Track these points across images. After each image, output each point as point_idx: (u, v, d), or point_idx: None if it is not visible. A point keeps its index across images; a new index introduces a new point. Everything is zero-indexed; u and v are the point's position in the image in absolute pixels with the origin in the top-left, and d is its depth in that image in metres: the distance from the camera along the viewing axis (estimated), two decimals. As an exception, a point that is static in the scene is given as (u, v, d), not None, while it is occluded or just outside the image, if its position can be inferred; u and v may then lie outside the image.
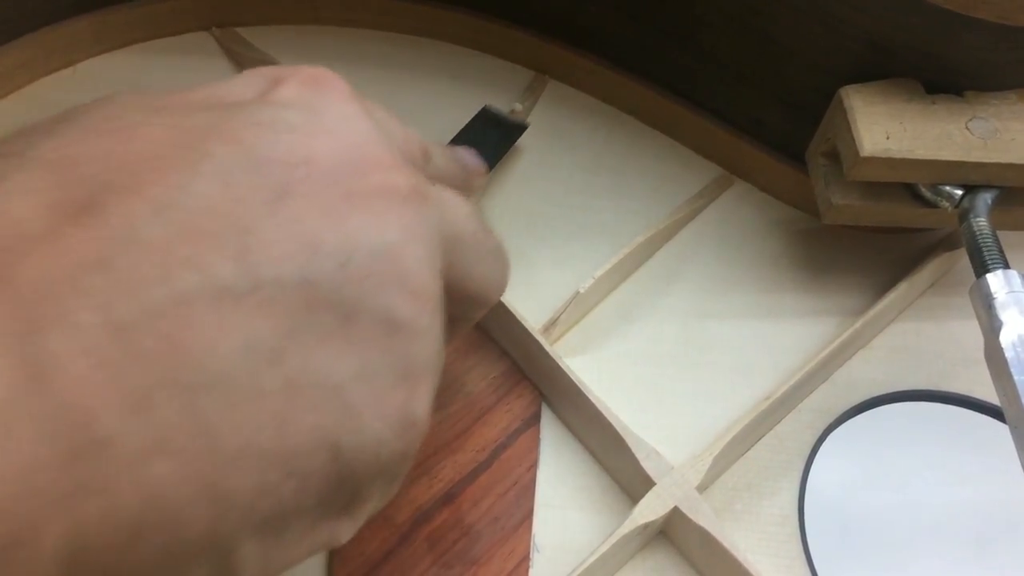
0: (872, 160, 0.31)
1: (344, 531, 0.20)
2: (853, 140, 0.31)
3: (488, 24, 0.42)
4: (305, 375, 0.17)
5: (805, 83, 0.35)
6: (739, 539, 0.29)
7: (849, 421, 0.34)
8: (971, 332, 0.35)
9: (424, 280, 0.20)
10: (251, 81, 0.21)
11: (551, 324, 0.34)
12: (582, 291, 0.34)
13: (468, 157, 0.32)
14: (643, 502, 0.29)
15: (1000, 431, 0.33)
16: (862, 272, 0.37)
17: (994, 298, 0.29)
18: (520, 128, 0.40)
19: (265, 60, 0.40)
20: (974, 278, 0.30)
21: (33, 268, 0.15)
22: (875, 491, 0.32)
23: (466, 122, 0.39)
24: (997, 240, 0.31)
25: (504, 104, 0.41)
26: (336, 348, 0.18)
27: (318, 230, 0.18)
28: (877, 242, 0.38)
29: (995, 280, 0.29)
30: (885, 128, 0.31)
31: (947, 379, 0.35)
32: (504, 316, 0.33)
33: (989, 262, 0.30)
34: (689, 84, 0.39)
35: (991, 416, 0.34)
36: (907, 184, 0.33)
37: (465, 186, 0.31)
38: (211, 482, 0.16)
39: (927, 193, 0.33)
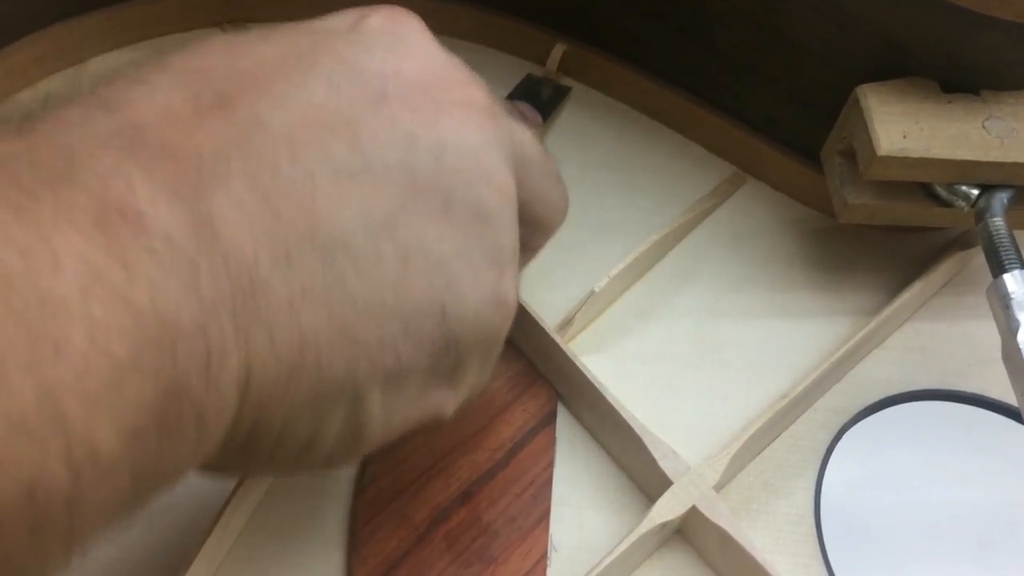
0: (889, 159, 0.31)
1: (449, 402, 0.23)
2: (870, 139, 0.31)
3: (499, 20, 0.42)
4: (414, 247, 0.20)
5: (820, 81, 0.35)
6: (755, 538, 0.29)
7: (864, 420, 0.34)
8: (985, 332, 0.35)
9: (505, 179, 0.22)
10: (341, 16, 0.24)
11: (566, 323, 0.34)
12: (597, 290, 0.34)
13: (524, 108, 0.36)
14: (661, 501, 0.29)
15: (1015, 430, 0.33)
16: (876, 271, 0.37)
17: (1012, 298, 0.29)
18: (563, 91, 0.41)
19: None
20: (988, 277, 0.30)
21: (187, 142, 0.18)
22: (890, 490, 0.33)
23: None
24: (1014, 240, 0.31)
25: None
26: (438, 227, 0.21)
27: (413, 128, 0.21)
28: (891, 241, 0.38)
29: (1012, 280, 0.29)
30: (902, 127, 0.31)
31: (961, 378, 0.35)
32: (520, 315, 0.33)
33: (1006, 262, 0.30)
34: (703, 82, 0.39)
35: (1006, 416, 0.34)
36: (922, 183, 0.33)
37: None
38: (347, 329, 0.19)
39: (943, 192, 0.33)
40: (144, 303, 0.15)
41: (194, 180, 0.17)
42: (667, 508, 0.29)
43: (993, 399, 0.34)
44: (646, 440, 0.30)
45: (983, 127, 0.32)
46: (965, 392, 0.34)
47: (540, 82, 0.41)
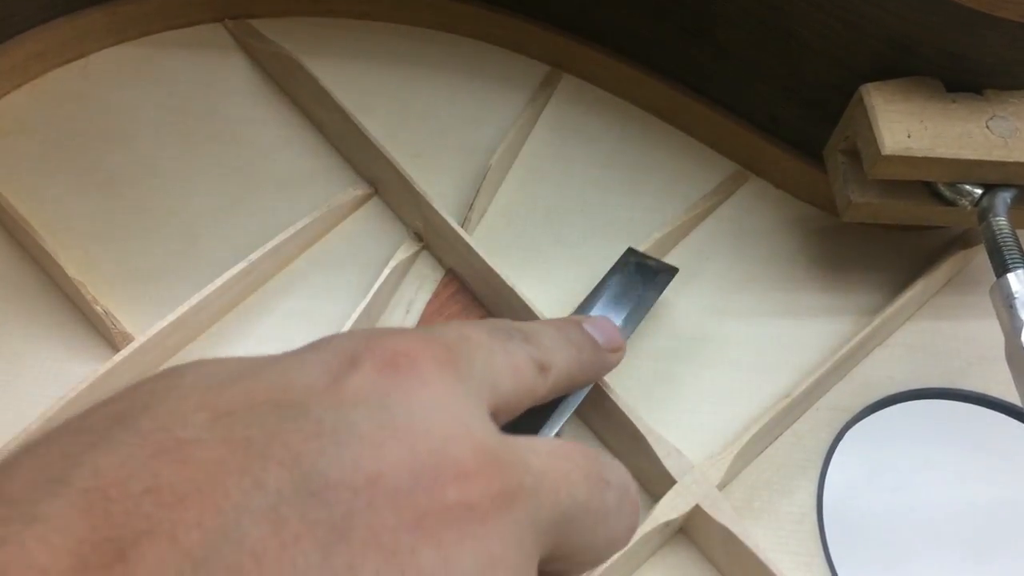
0: (893, 158, 0.31)
1: None
2: (874, 138, 0.31)
3: (503, 18, 0.42)
4: None
5: (823, 80, 0.35)
6: (758, 537, 0.29)
7: (866, 419, 0.34)
8: (987, 330, 0.35)
9: None
10: (325, 359, 0.18)
11: (569, 321, 0.34)
12: (600, 288, 0.34)
13: (600, 331, 0.28)
14: (664, 500, 0.29)
15: (1017, 429, 0.34)
16: (878, 269, 0.37)
17: (1015, 297, 0.29)
18: (669, 272, 0.35)
19: (279, 52, 0.40)
20: (991, 275, 0.31)
21: None
22: (892, 488, 0.33)
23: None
24: (1017, 239, 0.31)
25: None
26: None
27: None
28: (893, 239, 0.38)
29: (1016, 280, 0.30)
30: (906, 127, 0.31)
31: (963, 377, 0.35)
32: (522, 312, 0.33)
33: (1009, 261, 0.30)
34: (705, 80, 0.39)
35: (1008, 415, 0.34)
36: (926, 182, 0.33)
37: (596, 370, 0.28)
38: None
39: (946, 191, 0.33)
40: None
41: None
42: (670, 506, 0.29)
43: (995, 398, 0.34)
44: (649, 438, 0.30)
45: (987, 127, 0.32)
46: (967, 391, 0.34)
47: (641, 263, 0.35)
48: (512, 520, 0.18)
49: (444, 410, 0.18)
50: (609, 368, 0.29)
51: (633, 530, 0.22)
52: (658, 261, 0.35)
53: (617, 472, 0.21)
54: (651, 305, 0.34)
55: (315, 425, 0.17)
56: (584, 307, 0.33)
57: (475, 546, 0.17)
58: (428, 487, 0.17)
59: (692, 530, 0.31)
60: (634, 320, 0.33)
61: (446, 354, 0.19)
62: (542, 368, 0.23)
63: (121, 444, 0.16)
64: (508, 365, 0.21)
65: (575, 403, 0.29)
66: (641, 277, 0.35)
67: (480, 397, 0.19)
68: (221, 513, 0.15)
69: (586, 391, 0.29)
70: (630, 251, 0.36)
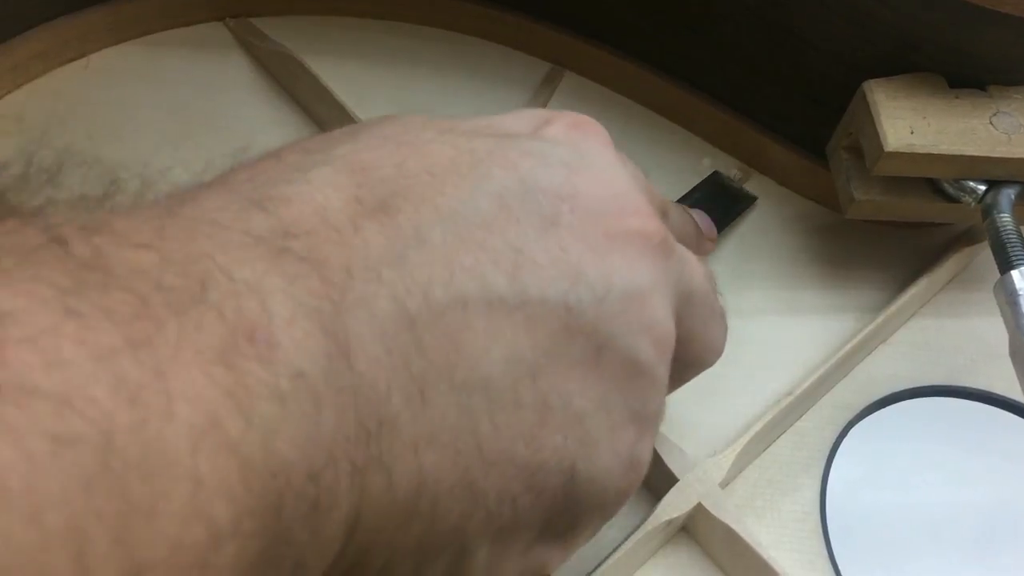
0: (896, 155, 0.31)
1: (555, 559, 0.21)
2: (877, 135, 0.31)
3: (505, 16, 0.42)
4: (555, 395, 0.18)
5: (826, 77, 0.35)
6: (761, 535, 0.29)
7: (870, 416, 0.34)
8: (991, 327, 0.35)
9: (666, 330, 0.20)
10: (524, 117, 0.22)
11: (571, 319, 0.34)
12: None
13: (701, 219, 0.32)
14: (666, 498, 0.29)
15: (1021, 427, 0.33)
16: (882, 267, 0.37)
17: (1019, 294, 0.29)
18: (748, 200, 0.38)
19: (280, 51, 0.40)
20: (995, 273, 0.30)
21: (339, 254, 0.16)
22: (896, 486, 0.32)
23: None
24: (1021, 236, 0.31)
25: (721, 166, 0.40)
26: (584, 376, 0.19)
27: (581, 261, 0.19)
28: (896, 237, 0.38)
29: (1020, 276, 0.29)
30: (909, 123, 0.31)
31: (967, 374, 0.35)
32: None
33: (1014, 258, 0.30)
34: (708, 77, 0.39)
35: (1012, 412, 0.34)
36: (929, 179, 0.33)
37: (696, 247, 0.30)
38: (469, 480, 0.17)
39: (950, 188, 0.33)
40: (256, 457, 0.13)
41: (337, 300, 0.16)
42: (672, 505, 0.29)
43: (1000, 395, 0.34)
44: (651, 437, 0.30)
45: (990, 123, 0.32)
46: (971, 388, 0.34)
47: (725, 185, 0.38)
48: (670, 265, 0.21)
49: (621, 168, 0.21)
50: (704, 253, 0.31)
51: (723, 347, 0.25)
52: (741, 188, 0.38)
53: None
54: (727, 225, 0.37)
55: (526, 147, 0.20)
56: None
57: (649, 267, 0.20)
58: (615, 214, 0.20)
59: (694, 528, 0.30)
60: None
61: (612, 144, 0.22)
62: (664, 211, 0.25)
63: (367, 139, 0.19)
64: (645, 188, 0.23)
65: None
66: (723, 197, 0.37)
67: None
68: (458, 188, 0.18)
69: None
70: (716, 173, 0.38)
